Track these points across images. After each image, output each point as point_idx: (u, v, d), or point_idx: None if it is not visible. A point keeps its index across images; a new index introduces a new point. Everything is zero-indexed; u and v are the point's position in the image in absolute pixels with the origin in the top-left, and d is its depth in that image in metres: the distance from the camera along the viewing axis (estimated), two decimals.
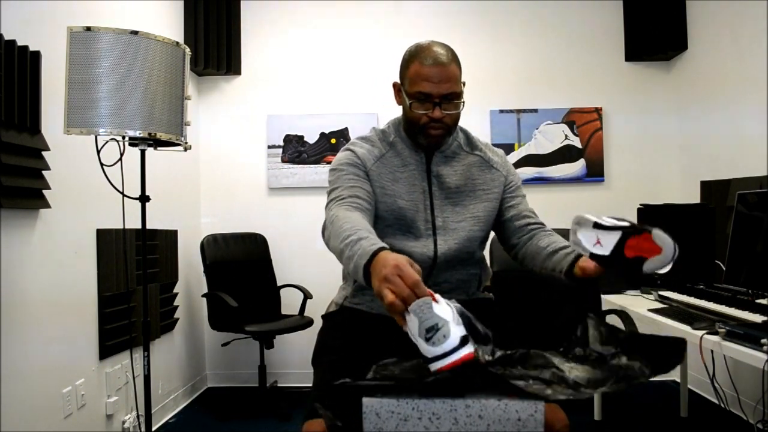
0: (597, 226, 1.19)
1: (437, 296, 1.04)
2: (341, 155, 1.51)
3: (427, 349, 0.99)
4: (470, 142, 1.63)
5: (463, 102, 1.46)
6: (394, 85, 1.53)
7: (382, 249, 1.13)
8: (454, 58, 1.44)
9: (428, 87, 1.40)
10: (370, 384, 1.09)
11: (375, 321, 1.55)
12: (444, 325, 0.98)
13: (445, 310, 1.01)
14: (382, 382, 1.09)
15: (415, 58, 1.43)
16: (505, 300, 2.44)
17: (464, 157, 1.58)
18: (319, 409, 1.10)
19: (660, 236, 1.10)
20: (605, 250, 1.17)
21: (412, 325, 1.01)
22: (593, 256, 1.20)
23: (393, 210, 1.48)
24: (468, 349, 0.98)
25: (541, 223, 1.57)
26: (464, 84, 1.48)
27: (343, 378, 1.10)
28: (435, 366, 0.99)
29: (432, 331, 0.98)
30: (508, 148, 3.80)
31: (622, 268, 1.16)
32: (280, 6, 3.92)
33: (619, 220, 1.18)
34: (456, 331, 0.99)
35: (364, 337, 1.51)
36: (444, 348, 0.98)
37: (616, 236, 1.15)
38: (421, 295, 1.01)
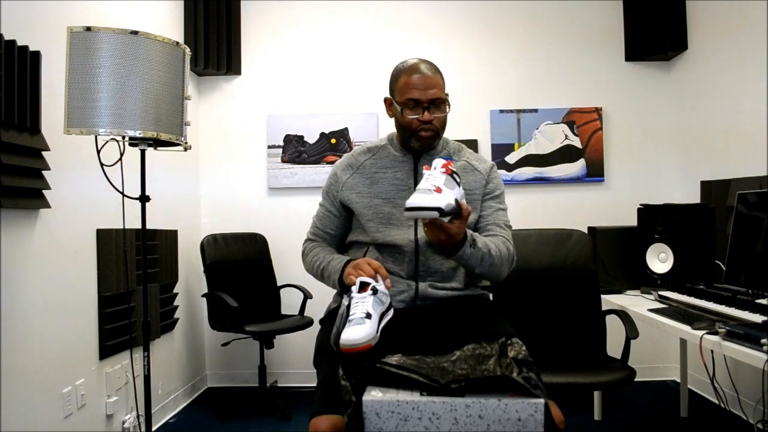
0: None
1: (387, 281, 1.47)
2: (327, 180, 1.78)
3: (344, 328, 1.33)
4: (459, 151, 1.78)
5: (448, 105, 1.66)
6: (386, 100, 1.72)
7: (348, 263, 1.55)
8: (437, 70, 1.66)
9: (417, 94, 1.61)
10: (402, 367, 1.18)
11: None
12: (369, 321, 1.33)
13: (378, 305, 1.39)
14: (408, 372, 1.14)
15: (402, 72, 1.65)
16: (504, 300, 2.45)
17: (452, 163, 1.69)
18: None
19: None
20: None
21: (361, 300, 1.39)
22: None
23: (371, 206, 1.67)
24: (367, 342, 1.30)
25: (495, 234, 1.67)
26: (447, 95, 1.67)
27: (346, 372, 1.16)
28: (342, 343, 1.30)
29: (363, 318, 1.33)
30: (508, 148, 3.80)
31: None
32: (280, 6, 3.91)
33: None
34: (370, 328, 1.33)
35: None
36: (357, 335, 1.29)
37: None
38: (383, 275, 1.46)
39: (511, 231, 1.71)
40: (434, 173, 1.41)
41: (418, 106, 1.62)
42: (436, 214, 1.31)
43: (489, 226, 1.67)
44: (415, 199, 1.34)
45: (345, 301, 1.42)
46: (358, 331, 1.30)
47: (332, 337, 1.42)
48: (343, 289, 1.52)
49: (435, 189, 1.36)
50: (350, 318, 1.35)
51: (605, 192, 3.84)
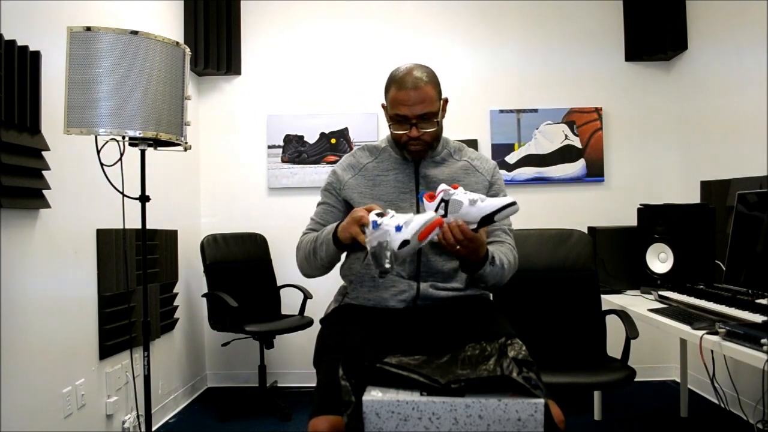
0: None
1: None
2: (327, 179, 1.74)
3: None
4: (460, 150, 1.76)
5: (438, 121, 1.61)
6: (382, 105, 1.69)
7: (339, 224, 1.50)
8: (430, 80, 1.59)
9: (404, 110, 1.57)
10: (402, 367, 1.18)
11: (371, 314, 1.60)
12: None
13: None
14: (408, 372, 1.14)
15: (392, 83, 1.60)
16: (504, 300, 2.45)
17: (453, 163, 1.71)
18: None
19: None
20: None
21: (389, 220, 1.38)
22: None
23: None
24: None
25: (502, 241, 1.66)
26: (446, 100, 1.65)
27: (346, 373, 1.16)
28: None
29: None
30: (508, 148, 3.80)
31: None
32: (280, 6, 3.92)
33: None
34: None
35: (363, 331, 1.54)
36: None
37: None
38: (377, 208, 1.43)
39: (512, 234, 1.71)
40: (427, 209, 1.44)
41: (405, 122, 1.59)
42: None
43: (495, 231, 1.66)
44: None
45: (373, 241, 1.38)
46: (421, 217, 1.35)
47: (380, 258, 1.38)
48: (338, 246, 1.52)
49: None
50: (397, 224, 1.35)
51: (605, 192, 3.84)
